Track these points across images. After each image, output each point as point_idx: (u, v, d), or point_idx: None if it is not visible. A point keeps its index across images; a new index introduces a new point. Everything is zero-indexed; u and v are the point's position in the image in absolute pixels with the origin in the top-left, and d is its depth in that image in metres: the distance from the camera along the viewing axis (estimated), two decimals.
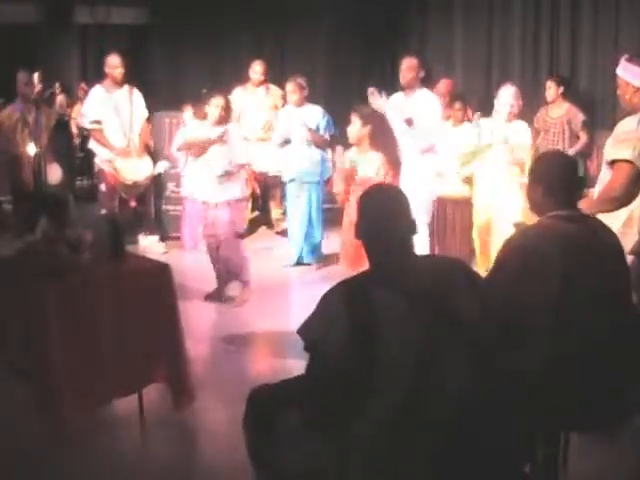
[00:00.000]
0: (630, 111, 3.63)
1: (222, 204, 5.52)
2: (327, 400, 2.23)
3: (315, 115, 6.72)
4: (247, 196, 6.01)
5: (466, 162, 5.99)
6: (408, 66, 5.81)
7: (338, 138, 6.81)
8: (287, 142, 6.81)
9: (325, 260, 6.74)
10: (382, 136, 5.47)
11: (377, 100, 5.66)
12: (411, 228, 2.37)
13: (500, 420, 2.19)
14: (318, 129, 6.68)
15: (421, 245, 5.59)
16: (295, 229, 6.82)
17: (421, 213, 5.84)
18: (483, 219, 6.02)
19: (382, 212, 2.37)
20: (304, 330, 2.27)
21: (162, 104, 7.47)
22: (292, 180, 6.83)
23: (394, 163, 5.49)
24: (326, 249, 6.86)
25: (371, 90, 5.69)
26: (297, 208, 6.79)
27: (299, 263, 6.79)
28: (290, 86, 6.72)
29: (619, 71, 3.66)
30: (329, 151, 7.20)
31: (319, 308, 2.27)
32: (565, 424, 2.79)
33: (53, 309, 3.35)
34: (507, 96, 5.87)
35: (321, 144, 6.73)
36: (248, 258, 5.71)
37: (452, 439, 2.12)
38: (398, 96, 5.95)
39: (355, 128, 5.42)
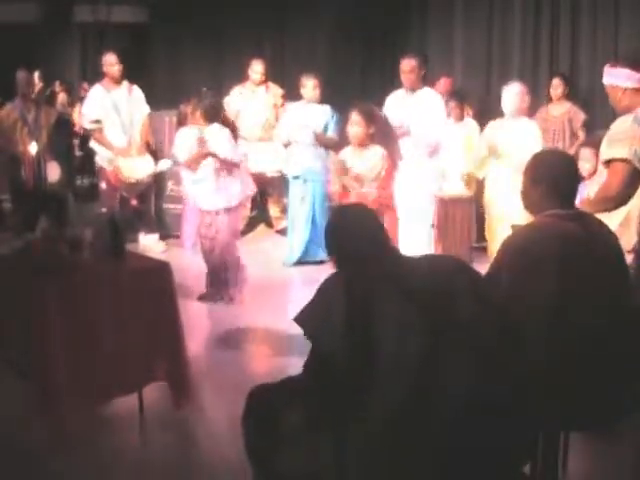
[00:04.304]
0: (625, 113, 3.62)
1: (221, 211, 5.46)
2: (326, 397, 2.23)
3: (324, 114, 6.62)
4: (248, 196, 5.84)
5: (481, 165, 5.91)
6: (409, 69, 5.74)
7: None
8: (291, 140, 6.68)
9: None
10: (386, 134, 5.40)
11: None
12: (378, 247, 2.41)
13: (500, 420, 2.19)
14: (327, 128, 6.59)
15: (424, 246, 5.56)
16: (299, 229, 6.72)
17: (424, 216, 5.84)
18: (497, 221, 5.81)
19: (347, 234, 2.46)
20: (301, 318, 2.29)
21: (162, 103, 7.46)
22: (296, 177, 6.72)
23: (395, 159, 5.45)
24: None
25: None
26: (301, 209, 6.69)
27: (300, 262, 6.76)
28: (312, 82, 6.58)
29: (605, 80, 3.64)
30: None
31: (317, 296, 2.29)
32: (565, 424, 2.79)
33: (53, 308, 3.34)
34: (510, 96, 5.77)
35: (331, 145, 6.57)
36: (242, 260, 5.66)
37: (452, 439, 2.12)
38: (398, 94, 5.92)
39: (358, 129, 5.20)
